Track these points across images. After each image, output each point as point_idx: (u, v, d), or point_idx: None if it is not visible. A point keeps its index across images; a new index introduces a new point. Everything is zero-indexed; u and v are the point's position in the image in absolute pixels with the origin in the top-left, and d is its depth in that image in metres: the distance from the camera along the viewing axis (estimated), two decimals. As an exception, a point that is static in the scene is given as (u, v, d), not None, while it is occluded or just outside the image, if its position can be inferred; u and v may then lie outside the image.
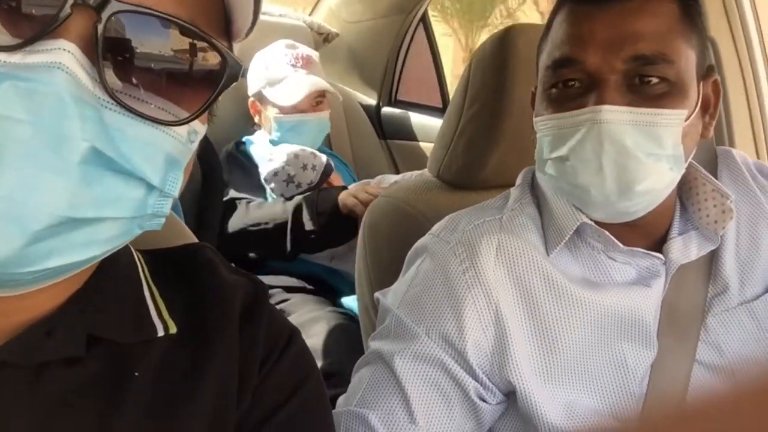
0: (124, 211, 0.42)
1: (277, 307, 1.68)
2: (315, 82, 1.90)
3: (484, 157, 1.04)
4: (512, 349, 0.75)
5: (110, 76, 0.40)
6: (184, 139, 0.45)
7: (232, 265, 0.62)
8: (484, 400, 0.77)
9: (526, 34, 1.03)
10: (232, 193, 1.75)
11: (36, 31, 0.37)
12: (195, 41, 0.43)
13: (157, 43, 0.42)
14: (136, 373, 0.48)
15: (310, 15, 2.67)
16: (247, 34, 0.50)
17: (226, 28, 0.48)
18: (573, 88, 0.73)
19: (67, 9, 0.38)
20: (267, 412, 0.53)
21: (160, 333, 0.51)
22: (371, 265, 1.04)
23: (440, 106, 2.37)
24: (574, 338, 0.77)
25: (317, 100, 1.92)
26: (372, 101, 2.58)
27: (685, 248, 0.79)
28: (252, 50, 1.97)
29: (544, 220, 0.83)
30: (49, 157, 0.36)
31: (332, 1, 2.50)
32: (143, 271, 0.56)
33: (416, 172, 1.47)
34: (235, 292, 0.56)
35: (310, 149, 1.89)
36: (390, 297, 0.84)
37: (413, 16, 2.36)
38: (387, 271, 1.01)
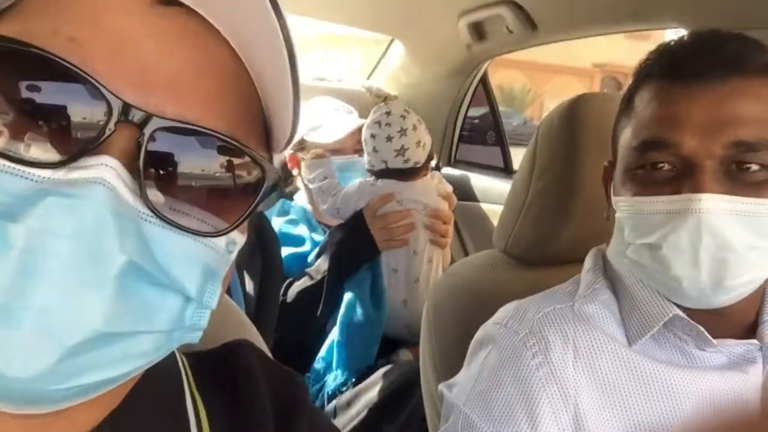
0: (160, 324, 0.40)
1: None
2: (359, 121, 1.85)
3: (555, 233, 0.99)
4: None
5: (151, 189, 0.40)
6: (222, 250, 0.44)
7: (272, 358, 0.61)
8: None
9: (596, 103, 0.99)
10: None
11: (80, 148, 0.37)
12: (235, 154, 0.43)
13: (198, 157, 0.42)
14: None
15: (368, 79, 2.71)
16: (287, 145, 0.49)
17: (266, 138, 0.48)
18: (662, 171, 0.68)
19: (111, 126, 0.38)
20: None
21: None
22: (436, 347, 0.98)
23: (502, 166, 2.33)
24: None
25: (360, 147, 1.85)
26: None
27: None
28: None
29: (623, 307, 0.76)
30: (87, 271, 0.35)
31: (391, 65, 2.52)
32: (187, 379, 0.54)
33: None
34: (273, 399, 0.55)
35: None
36: (455, 391, 0.78)
37: (473, 77, 2.35)
38: (453, 355, 0.95)
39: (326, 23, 2.35)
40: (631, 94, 0.74)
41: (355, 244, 1.64)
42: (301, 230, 1.83)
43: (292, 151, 1.90)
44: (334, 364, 1.61)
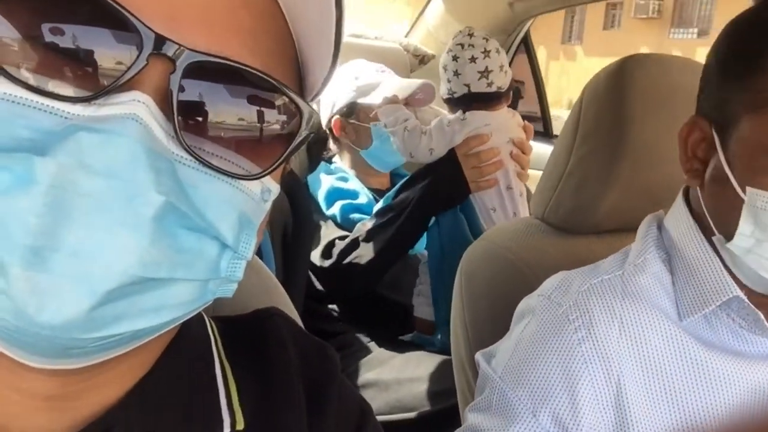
0: (196, 273, 0.39)
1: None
2: (414, 82, 1.77)
3: (596, 200, 0.95)
4: None
5: (184, 130, 0.37)
6: (257, 197, 0.42)
7: (304, 329, 0.59)
8: None
9: (646, 65, 0.93)
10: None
11: (111, 82, 0.35)
12: (271, 93, 0.40)
13: (233, 96, 0.39)
14: None
15: (406, 36, 2.64)
16: (320, 90, 0.47)
17: (299, 82, 0.46)
18: None
19: (143, 60, 0.35)
20: None
21: (227, 430, 0.47)
22: (468, 317, 0.95)
23: (542, 130, 2.26)
24: (717, 421, 0.66)
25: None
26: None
27: None
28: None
29: (677, 279, 0.71)
30: (122, 212, 0.33)
31: (430, 22, 2.45)
32: (216, 345, 0.53)
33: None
34: (303, 371, 0.54)
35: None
36: (492, 362, 0.76)
37: (515, 36, 2.27)
38: (486, 324, 0.93)
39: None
40: (754, 48, 0.62)
41: (449, 186, 1.56)
42: (353, 185, 1.80)
43: (338, 117, 1.85)
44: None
